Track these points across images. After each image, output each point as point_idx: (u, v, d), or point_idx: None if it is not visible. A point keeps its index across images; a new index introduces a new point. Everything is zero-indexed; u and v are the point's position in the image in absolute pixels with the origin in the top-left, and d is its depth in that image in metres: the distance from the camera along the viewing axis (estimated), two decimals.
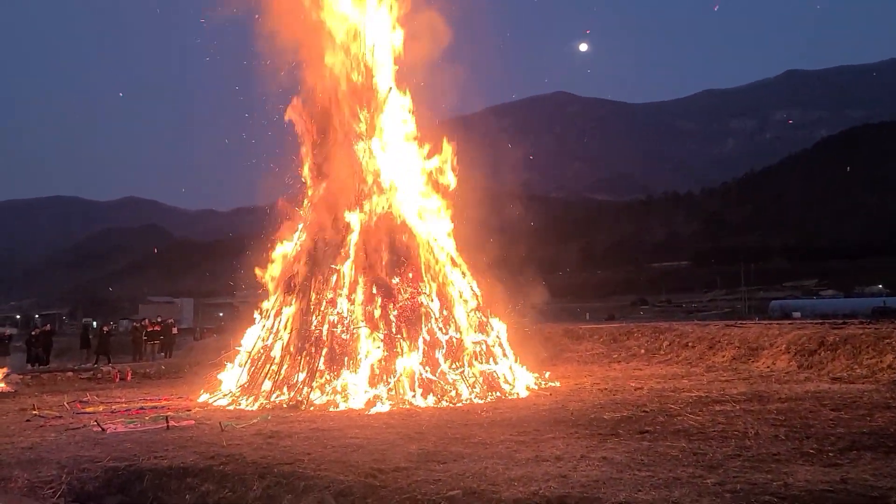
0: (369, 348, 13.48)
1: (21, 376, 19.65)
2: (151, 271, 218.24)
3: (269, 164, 18.84)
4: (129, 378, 20.31)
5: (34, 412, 13.09)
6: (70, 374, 20.85)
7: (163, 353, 27.18)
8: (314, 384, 13.17)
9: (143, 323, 29.50)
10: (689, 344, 19.05)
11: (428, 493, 6.26)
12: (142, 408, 13.29)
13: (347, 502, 6.44)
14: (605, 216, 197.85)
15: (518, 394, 13.60)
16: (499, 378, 14.08)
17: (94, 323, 56.19)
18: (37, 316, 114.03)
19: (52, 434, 10.45)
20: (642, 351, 20.01)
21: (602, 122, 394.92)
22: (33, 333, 26.76)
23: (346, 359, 13.45)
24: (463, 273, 16.00)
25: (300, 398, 12.97)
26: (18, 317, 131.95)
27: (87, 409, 13.33)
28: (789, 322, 24.63)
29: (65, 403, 14.26)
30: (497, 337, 15.32)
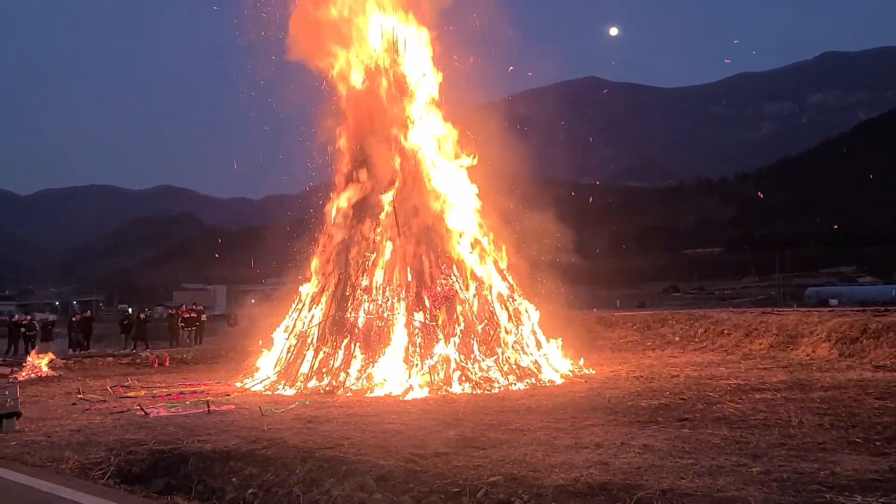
0: (404, 335, 13.55)
1: (64, 361, 20.16)
2: (184, 258, 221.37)
3: (300, 153, 18.95)
4: (166, 363, 20.72)
5: (79, 396, 13.43)
6: (110, 359, 21.37)
7: (195, 340, 27.71)
8: (350, 370, 13.29)
9: (179, 310, 30.07)
10: (725, 331, 18.82)
11: (469, 478, 6.28)
12: (182, 392, 13.54)
13: (388, 487, 6.48)
14: (637, 202, 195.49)
15: (553, 381, 13.57)
16: (533, 365, 14.07)
17: (130, 310, 57.27)
18: (75, 302, 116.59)
19: (97, 417, 10.70)
20: (677, 338, 19.83)
21: (633, 107, 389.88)
22: (73, 319, 27.39)
23: (381, 345, 13.54)
24: (496, 260, 15.98)
25: (336, 384, 13.10)
26: (58, 303, 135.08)
27: (129, 394, 13.63)
28: (828, 309, 24.20)
29: (107, 388, 14.60)
30: (531, 324, 15.29)
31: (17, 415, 9.84)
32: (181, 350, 24.22)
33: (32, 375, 17.92)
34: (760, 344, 17.22)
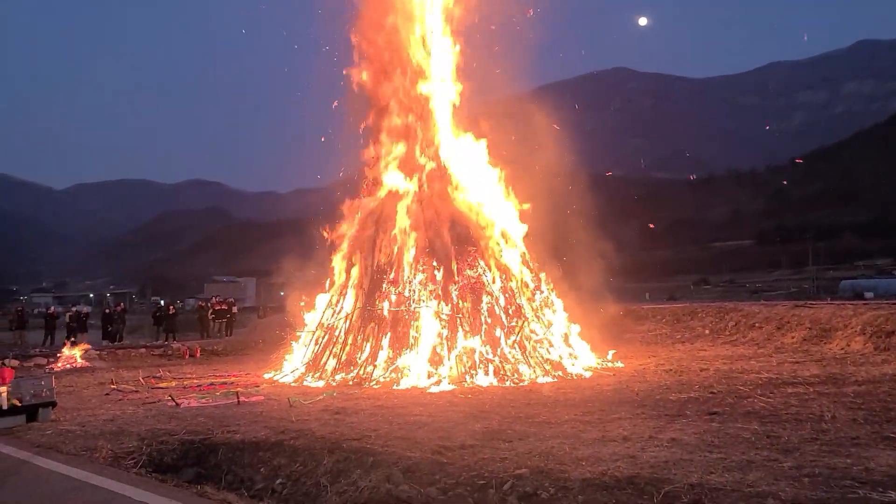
0: (431, 327, 13.57)
1: (98, 352, 20.56)
2: (215, 251, 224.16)
3: (328, 146, 19.03)
4: (197, 355, 21.03)
5: (112, 386, 13.69)
6: (143, 350, 21.75)
7: (226, 332, 28.08)
8: (377, 362, 13.35)
9: (209, 302, 30.49)
10: (756, 324, 18.54)
11: (495, 471, 6.27)
12: (212, 383, 13.73)
13: (415, 478, 6.50)
14: (666, 194, 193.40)
15: (580, 374, 13.49)
16: (561, 358, 14.00)
17: (162, 302, 58.14)
18: (108, 295, 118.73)
19: (130, 407, 10.89)
20: (706, 331, 19.60)
21: (663, 98, 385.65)
22: (106, 311, 27.91)
23: (408, 337, 13.58)
24: (522, 252, 15.93)
25: (364, 376, 13.17)
26: (92, 295, 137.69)
27: (161, 384, 13.86)
28: (863, 302, 23.71)
29: (140, 378, 14.86)
30: (558, 316, 15.22)
31: (53, 404, 10.06)
32: (212, 341, 24.57)
33: (67, 366, 18.31)
34: (793, 337, 16.94)
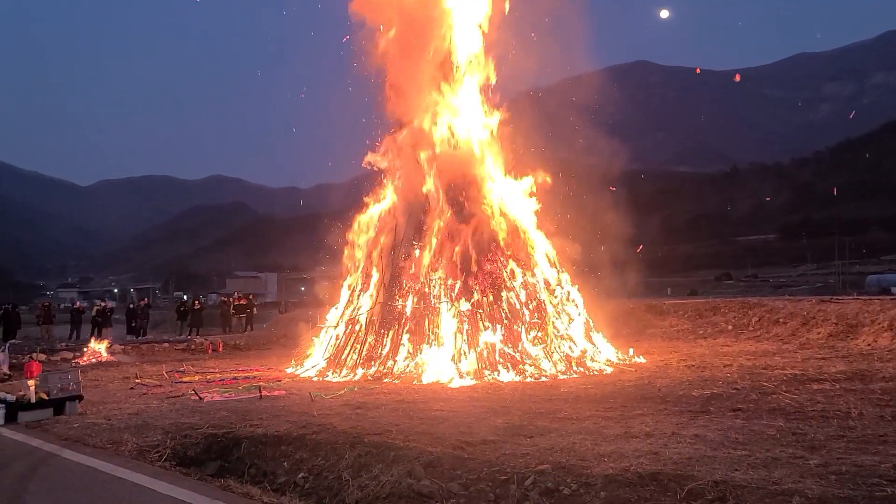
0: (451, 322, 13.57)
1: (122, 346, 20.82)
2: (237, 246, 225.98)
3: (349, 141, 19.09)
4: (220, 349, 21.21)
5: (137, 381, 13.85)
6: (166, 345, 21.96)
7: (246, 326, 28.37)
8: (397, 357, 13.38)
9: (230, 297, 30.79)
10: (781, 320, 18.32)
11: (517, 466, 6.26)
12: (235, 378, 13.84)
13: (437, 473, 6.51)
14: (688, 188, 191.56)
15: (602, 369, 13.43)
16: (582, 353, 13.94)
17: (185, 297, 58.74)
18: (132, 290, 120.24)
19: (154, 401, 11.01)
20: (729, 327, 19.39)
21: (685, 91, 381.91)
22: (130, 307, 28.26)
23: (428, 333, 13.59)
24: (543, 247, 15.86)
25: (384, 371, 13.21)
26: (116, 290, 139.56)
27: (184, 379, 13.98)
28: (890, 298, 23.33)
29: (164, 373, 15.03)
30: (580, 311, 15.15)
31: (80, 398, 10.21)
32: (234, 336, 24.78)
33: (93, 360, 18.55)
34: (818, 333, 16.71)
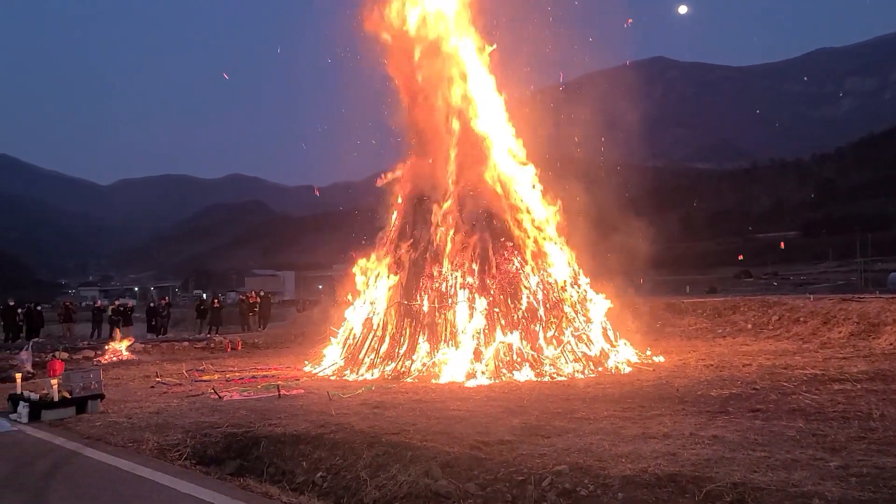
0: (468, 322, 13.57)
1: (143, 345, 21.01)
2: (255, 244, 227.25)
3: (366, 140, 19.15)
4: (239, 348, 21.36)
5: (157, 379, 14.00)
6: (185, 343, 22.12)
7: (259, 323, 28.66)
8: (415, 357, 13.41)
9: (247, 295, 31.03)
10: (801, 319, 18.14)
11: (534, 467, 6.26)
12: (254, 377, 13.95)
13: (454, 473, 6.52)
14: (707, 184, 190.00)
15: (620, 369, 13.37)
16: (600, 353, 13.89)
17: (204, 295, 59.20)
18: (152, 288, 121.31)
19: (174, 400, 11.13)
20: (749, 326, 19.23)
21: (704, 87, 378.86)
22: (151, 305, 28.53)
23: (445, 332, 13.60)
24: (561, 246, 15.81)
25: (402, 370, 13.25)
26: (136, 289, 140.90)
27: (204, 377, 14.11)
28: None
29: (183, 371, 15.17)
30: (597, 311, 15.08)
31: (102, 397, 10.34)
32: (253, 335, 24.95)
33: (114, 359, 18.76)
34: (839, 332, 16.52)
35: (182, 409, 10.09)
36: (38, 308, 26.69)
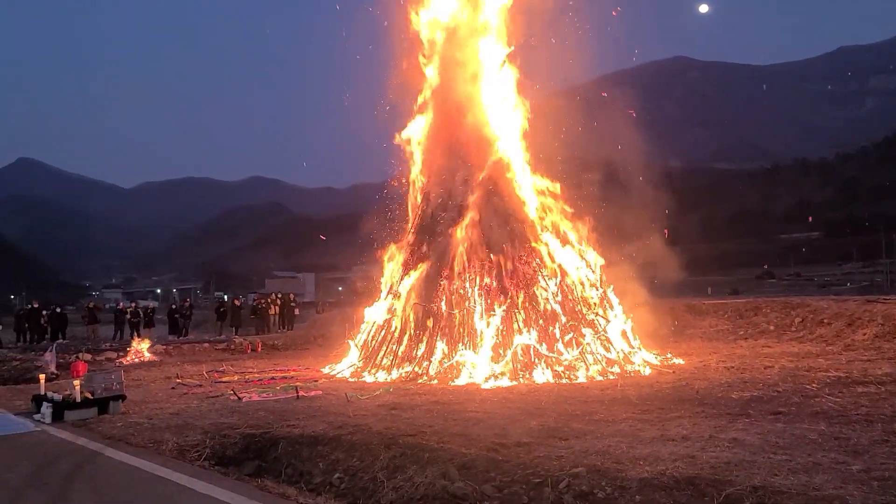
0: (487, 323, 13.54)
1: (164, 346, 21.20)
2: (275, 246, 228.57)
3: (384, 143, 19.18)
4: (259, 349, 21.48)
5: (178, 381, 14.12)
6: (206, 345, 22.30)
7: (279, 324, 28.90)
8: (432, 358, 13.41)
9: (267, 298, 31.24)
10: (825, 321, 17.87)
11: (551, 469, 6.23)
12: (273, 378, 14.02)
13: (470, 475, 6.50)
14: (728, 185, 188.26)
15: (639, 371, 13.28)
16: (619, 355, 13.80)
17: (225, 297, 59.60)
18: (174, 290, 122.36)
19: (194, 401, 11.21)
20: (771, 327, 18.99)
21: (725, 87, 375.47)
22: (173, 307, 28.80)
23: (463, 334, 13.59)
24: (580, 248, 15.74)
25: (419, 371, 13.25)
26: (158, 290, 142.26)
27: (224, 379, 14.21)
28: None
29: (203, 372, 15.28)
30: (616, 312, 14.99)
31: (123, 398, 10.45)
32: (272, 336, 25.09)
33: (136, 360, 18.95)
34: (864, 334, 16.25)
35: (201, 410, 10.16)
36: (61, 311, 27.02)
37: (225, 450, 8.08)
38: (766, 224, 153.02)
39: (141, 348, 19.69)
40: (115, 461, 7.55)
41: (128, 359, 19.09)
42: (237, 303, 29.21)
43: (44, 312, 25.43)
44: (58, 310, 26.84)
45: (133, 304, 28.41)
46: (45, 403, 9.88)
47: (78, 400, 9.86)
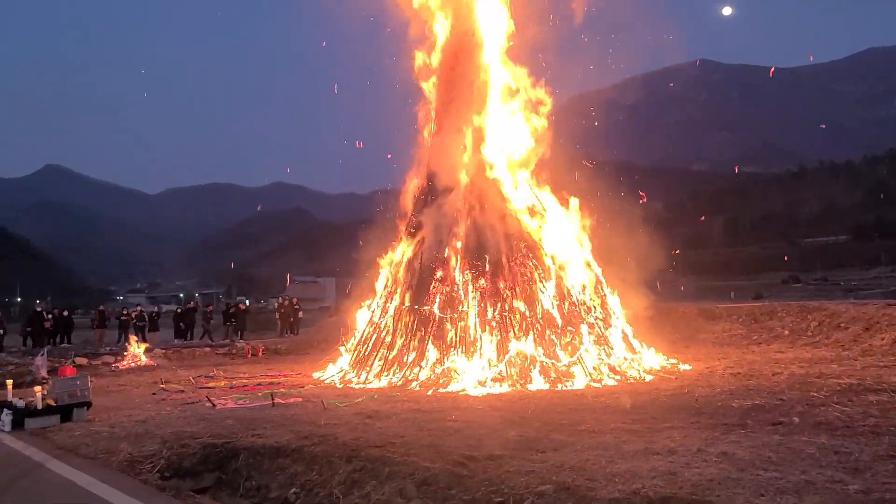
0: (480, 328, 12.97)
1: (164, 351, 20.89)
2: (298, 251, 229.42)
3: (397, 148, 18.85)
4: (259, 353, 21.10)
5: (161, 386, 13.70)
6: (208, 349, 21.97)
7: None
8: (423, 364, 12.86)
9: (283, 301, 30.90)
10: (842, 325, 17.00)
11: (516, 486, 5.68)
12: (259, 383, 13.58)
13: (429, 492, 5.98)
14: (753, 188, 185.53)
15: (641, 377, 12.61)
16: (620, 361, 13.15)
17: (239, 301, 59.59)
18: (196, 294, 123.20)
19: (168, 408, 10.79)
20: (786, 332, 18.15)
21: (750, 89, 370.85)
22: (178, 310, 28.56)
23: (455, 339, 13.02)
24: (580, 250, 15.11)
25: (410, 377, 12.72)
26: (182, 295, 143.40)
27: (210, 384, 13.80)
28: None
29: (190, 378, 14.87)
30: (619, 317, 14.34)
31: (88, 404, 10.03)
32: (276, 340, 24.71)
33: (132, 364, 18.64)
34: (882, 339, 15.37)
35: (170, 418, 9.71)
36: (66, 313, 26.86)
37: (182, 461, 7.62)
38: (792, 228, 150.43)
39: (138, 352, 19.38)
40: (54, 475, 7.10)
41: (124, 363, 18.80)
42: (242, 307, 28.81)
43: (48, 316, 25.25)
44: (64, 313, 26.68)
45: (138, 308, 28.18)
46: (5, 410, 9.48)
47: (39, 407, 9.45)
